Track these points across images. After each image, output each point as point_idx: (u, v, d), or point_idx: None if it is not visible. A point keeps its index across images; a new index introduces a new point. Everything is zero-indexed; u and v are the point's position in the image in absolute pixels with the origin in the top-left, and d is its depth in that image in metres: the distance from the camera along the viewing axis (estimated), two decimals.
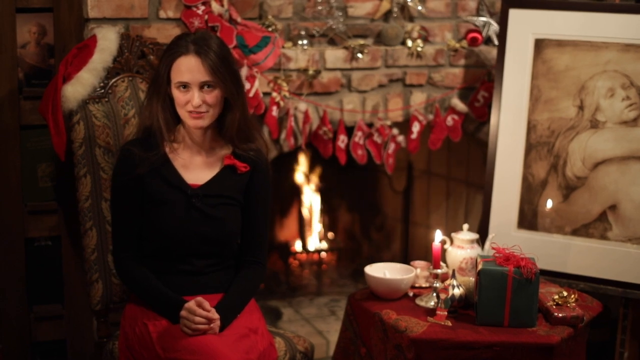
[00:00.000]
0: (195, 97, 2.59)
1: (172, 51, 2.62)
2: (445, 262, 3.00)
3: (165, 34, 3.16)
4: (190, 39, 2.62)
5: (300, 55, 3.40)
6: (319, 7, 3.45)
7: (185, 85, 2.60)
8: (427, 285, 2.95)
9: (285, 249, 4.27)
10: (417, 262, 3.01)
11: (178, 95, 2.61)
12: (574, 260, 3.30)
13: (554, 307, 2.75)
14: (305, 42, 3.43)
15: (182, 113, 2.63)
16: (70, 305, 3.34)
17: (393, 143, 3.58)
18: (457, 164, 4.12)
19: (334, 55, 3.46)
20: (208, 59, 2.59)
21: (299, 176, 4.23)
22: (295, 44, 3.42)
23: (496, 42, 3.60)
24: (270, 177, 2.80)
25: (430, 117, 3.62)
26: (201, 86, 2.59)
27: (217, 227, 2.67)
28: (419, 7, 3.57)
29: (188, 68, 2.58)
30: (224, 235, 2.69)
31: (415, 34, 3.57)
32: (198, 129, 2.65)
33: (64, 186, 3.25)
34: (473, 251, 2.98)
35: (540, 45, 3.36)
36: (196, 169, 2.70)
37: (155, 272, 2.66)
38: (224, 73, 2.61)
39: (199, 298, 2.54)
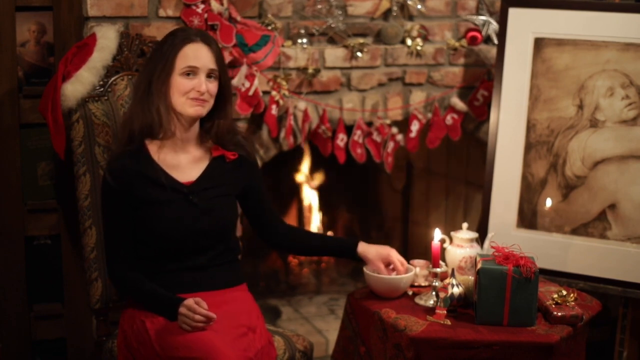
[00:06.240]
0: (203, 82, 2.62)
1: (177, 39, 2.63)
2: (444, 261, 3.00)
3: (165, 32, 3.14)
4: (191, 30, 2.69)
5: (299, 54, 3.40)
6: (319, 6, 3.45)
7: (192, 72, 2.62)
8: (427, 284, 2.95)
9: None
10: (417, 261, 3.01)
11: (182, 82, 2.62)
12: (573, 259, 3.30)
13: (554, 306, 2.75)
14: (304, 40, 3.43)
15: (183, 101, 2.63)
16: (70, 304, 3.34)
17: (392, 142, 3.58)
18: (457, 163, 4.12)
19: (334, 54, 3.46)
20: (214, 49, 2.66)
21: (298, 175, 4.23)
22: (294, 43, 3.42)
23: (496, 41, 3.60)
24: (256, 160, 2.88)
25: (430, 116, 3.62)
26: (208, 74, 2.64)
27: (216, 219, 2.69)
28: (419, 6, 3.57)
29: (198, 54, 2.62)
30: (222, 226, 2.71)
31: (414, 33, 3.57)
32: (197, 117, 2.67)
33: (63, 185, 3.25)
34: (472, 250, 2.98)
35: (539, 44, 3.36)
36: (184, 167, 2.70)
37: (159, 273, 2.66)
38: (224, 65, 2.70)
39: (197, 298, 2.54)
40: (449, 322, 2.68)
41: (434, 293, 2.82)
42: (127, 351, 2.63)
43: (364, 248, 2.84)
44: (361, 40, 3.50)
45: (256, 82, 3.27)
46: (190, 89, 2.62)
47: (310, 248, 2.97)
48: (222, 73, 2.69)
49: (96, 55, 2.93)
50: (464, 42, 3.63)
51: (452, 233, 3.02)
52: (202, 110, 2.65)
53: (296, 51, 3.40)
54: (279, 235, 2.89)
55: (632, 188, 3.24)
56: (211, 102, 2.67)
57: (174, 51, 2.61)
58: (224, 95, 2.71)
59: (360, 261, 2.86)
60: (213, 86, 2.66)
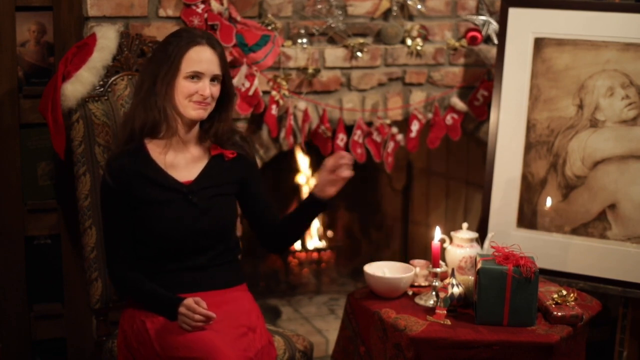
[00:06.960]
0: (207, 87, 2.62)
1: (183, 41, 2.62)
2: (444, 261, 3.00)
3: (165, 32, 3.15)
4: (196, 31, 2.67)
5: (299, 54, 3.40)
6: (319, 6, 3.45)
7: (197, 76, 2.61)
8: (427, 284, 2.95)
9: None
10: (417, 261, 3.01)
11: (187, 85, 2.61)
12: (573, 259, 3.30)
13: (554, 306, 2.75)
14: (304, 40, 3.43)
15: (185, 104, 2.63)
16: (70, 304, 3.34)
17: (392, 142, 3.58)
18: (457, 163, 4.12)
19: (334, 54, 3.46)
20: (218, 51, 2.66)
21: (298, 175, 4.23)
22: (294, 43, 3.42)
23: (496, 41, 3.60)
24: (255, 159, 2.86)
25: (430, 116, 3.62)
26: (212, 79, 2.63)
27: (216, 219, 2.69)
28: (419, 6, 3.57)
29: (203, 58, 2.62)
30: (222, 226, 2.71)
31: (415, 33, 3.57)
32: (199, 119, 2.67)
33: (63, 185, 3.25)
34: (472, 250, 2.98)
35: (540, 44, 3.36)
36: (183, 167, 2.70)
37: (159, 273, 2.66)
38: (227, 68, 2.69)
39: (197, 297, 2.54)
40: (449, 322, 2.68)
41: (434, 293, 2.82)
42: (127, 351, 2.63)
43: (315, 188, 2.73)
44: (361, 40, 3.50)
45: (256, 82, 3.27)
46: (194, 92, 2.62)
47: (297, 229, 2.85)
48: (226, 76, 2.69)
49: (96, 55, 2.93)
50: (464, 42, 3.63)
51: (452, 233, 3.02)
52: (204, 113, 2.65)
53: (296, 51, 3.40)
54: (274, 236, 2.84)
55: (632, 188, 3.24)
56: (213, 104, 2.67)
57: (179, 53, 2.60)
58: (226, 97, 2.71)
59: (327, 204, 2.73)
60: (216, 90, 2.66)
